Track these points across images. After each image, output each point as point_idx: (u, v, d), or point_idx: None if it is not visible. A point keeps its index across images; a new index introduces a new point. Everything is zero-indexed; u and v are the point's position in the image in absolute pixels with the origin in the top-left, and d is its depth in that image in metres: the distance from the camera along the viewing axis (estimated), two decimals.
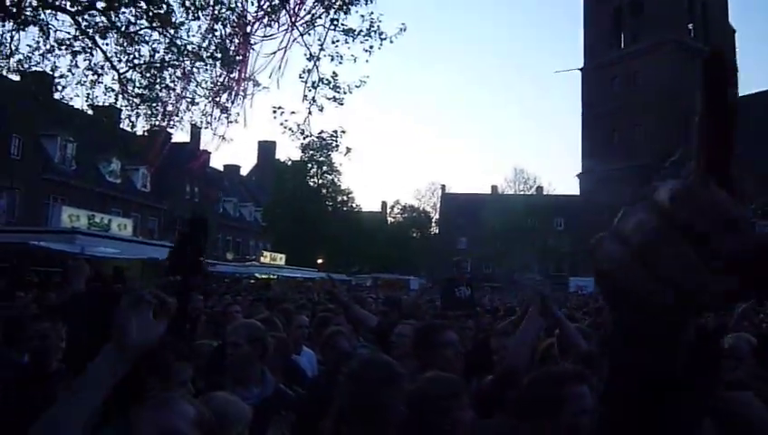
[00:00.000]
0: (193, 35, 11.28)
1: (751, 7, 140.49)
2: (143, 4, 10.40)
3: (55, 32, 10.79)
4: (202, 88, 10.96)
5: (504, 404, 2.80)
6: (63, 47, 10.85)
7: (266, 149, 64.20)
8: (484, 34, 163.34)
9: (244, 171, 62.87)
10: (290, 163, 47.78)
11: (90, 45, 11.06)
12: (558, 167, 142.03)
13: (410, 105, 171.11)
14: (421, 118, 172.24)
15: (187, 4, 10.23)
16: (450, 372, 2.47)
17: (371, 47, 10.49)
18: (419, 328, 3.36)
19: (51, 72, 11.28)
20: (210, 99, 10.89)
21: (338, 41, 10.24)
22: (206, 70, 10.74)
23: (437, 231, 70.20)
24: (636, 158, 42.85)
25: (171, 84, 11.26)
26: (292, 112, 11.11)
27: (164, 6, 10.18)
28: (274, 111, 11.07)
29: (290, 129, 11.13)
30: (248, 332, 3.43)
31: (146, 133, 12.37)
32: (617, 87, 46.60)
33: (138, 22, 10.75)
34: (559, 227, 62.64)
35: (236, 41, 8.74)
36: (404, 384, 1.94)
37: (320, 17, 9.74)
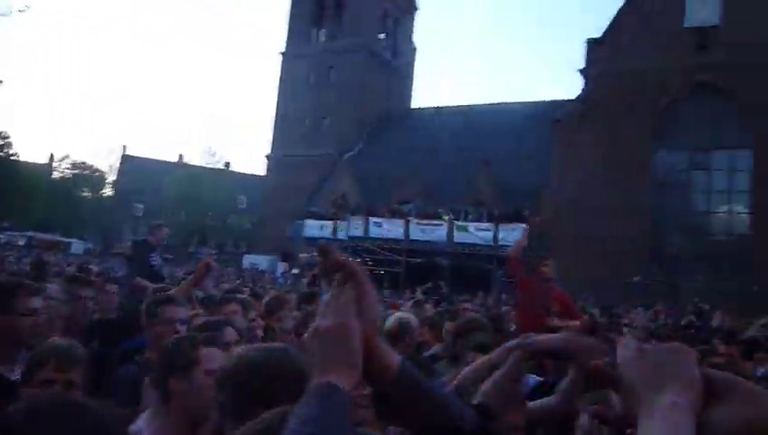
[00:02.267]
0: None
1: (434, 31, 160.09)
2: None
3: None
4: None
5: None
6: None
7: None
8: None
9: None
10: None
11: None
12: (247, 145, 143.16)
13: (95, 56, 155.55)
14: (108, 73, 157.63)
15: None
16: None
17: None
18: None
19: None
20: None
21: None
22: None
23: (112, 193, 65.04)
24: (321, 148, 45.37)
25: None
26: None
27: None
28: None
29: None
30: None
31: None
32: (312, 78, 48.66)
33: None
34: (241, 205, 63.21)
35: None
36: None
37: None
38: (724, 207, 27.53)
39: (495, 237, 26.99)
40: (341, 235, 29.44)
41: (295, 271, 29.97)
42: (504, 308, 11.31)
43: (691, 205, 28.43)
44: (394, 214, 29.68)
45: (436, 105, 47.89)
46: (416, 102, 53.87)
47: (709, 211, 27.89)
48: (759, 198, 25.73)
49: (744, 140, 26.49)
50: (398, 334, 3.97)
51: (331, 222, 30.54)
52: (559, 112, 29.87)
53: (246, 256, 46.04)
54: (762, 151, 25.70)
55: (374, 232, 28.79)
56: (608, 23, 29.50)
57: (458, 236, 27.47)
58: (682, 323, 12.41)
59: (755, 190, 25.95)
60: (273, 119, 51.65)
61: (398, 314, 4.62)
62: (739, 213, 27.03)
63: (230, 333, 2.97)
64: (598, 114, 28.35)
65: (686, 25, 27.42)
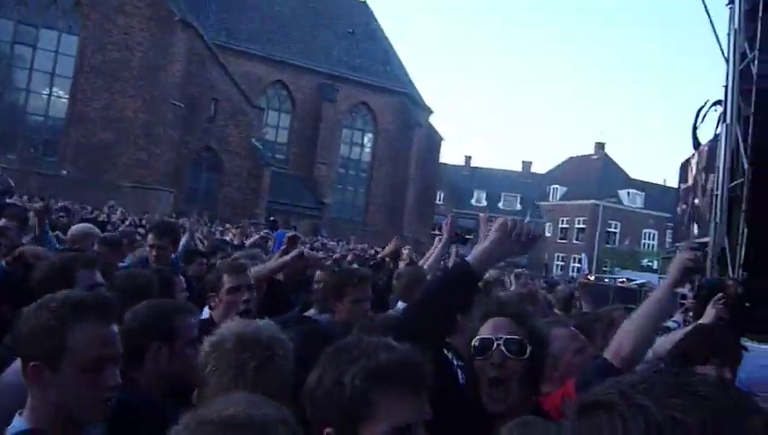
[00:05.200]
0: None
1: None
2: None
3: None
4: None
5: None
6: None
7: None
8: None
9: None
10: None
11: None
12: None
13: None
14: None
15: None
16: None
17: None
18: None
19: None
20: None
21: None
22: None
23: None
24: None
25: None
26: None
27: None
28: None
29: None
30: None
31: None
32: None
33: None
34: None
35: None
36: None
37: None
38: (46, 89, 27.55)
39: None
40: None
41: None
42: None
43: (11, 81, 27.35)
44: None
45: None
46: None
47: (30, 90, 27.43)
48: (78, 85, 26.87)
49: (73, 25, 26.99)
50: None
51: None
52: None
53: None
54: (86, 40, 26.74)
55: None
56: None
57: None
58: None
59: (76, 77, 26.93)
60: None
61: None
62: (59, 97, 27.53)
63: None
64: None
65: None
